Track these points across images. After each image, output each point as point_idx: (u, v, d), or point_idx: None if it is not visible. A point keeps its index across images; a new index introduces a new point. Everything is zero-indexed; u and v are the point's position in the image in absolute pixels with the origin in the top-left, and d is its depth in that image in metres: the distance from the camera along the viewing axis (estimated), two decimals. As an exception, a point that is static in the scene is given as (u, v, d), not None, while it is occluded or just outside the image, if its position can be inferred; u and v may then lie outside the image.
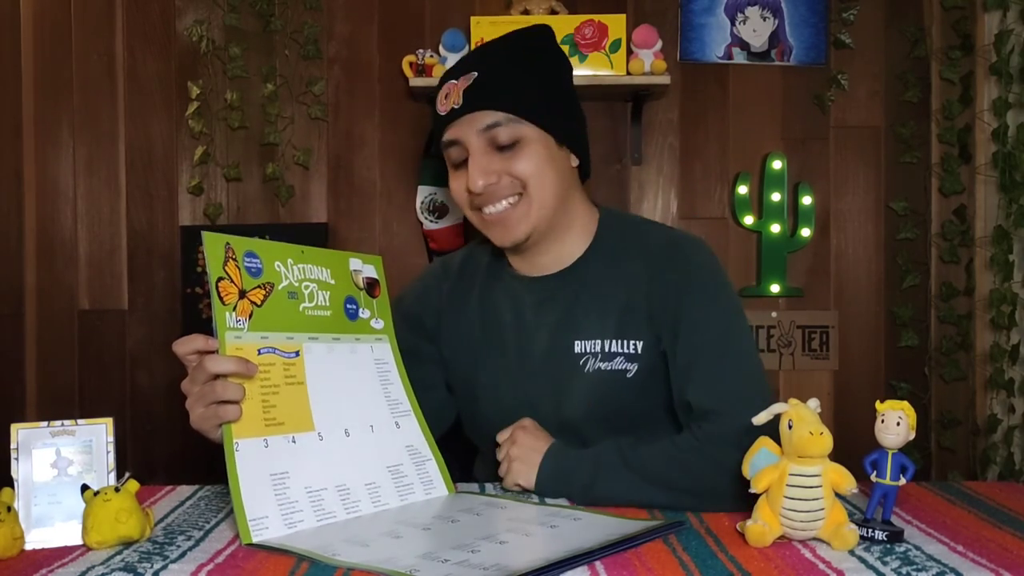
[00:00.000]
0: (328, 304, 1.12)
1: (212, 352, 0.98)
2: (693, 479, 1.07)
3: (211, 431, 0.99)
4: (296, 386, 1.04)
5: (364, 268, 1.19)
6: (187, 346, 1.00)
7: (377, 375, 1.16)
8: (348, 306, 1.15)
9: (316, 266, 1.11)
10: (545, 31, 1.26)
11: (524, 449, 1.15)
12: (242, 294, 1.00)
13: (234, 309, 0.99)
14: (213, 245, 0.99)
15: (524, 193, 1.19)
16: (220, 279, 0.98)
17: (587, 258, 1.27)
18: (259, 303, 1.02)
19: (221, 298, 0.98)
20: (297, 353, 1.05)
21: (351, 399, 1.10)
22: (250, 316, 1.01)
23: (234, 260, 1.00)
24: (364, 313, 1.17)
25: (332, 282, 1.13)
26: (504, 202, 1.19)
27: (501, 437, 1.19)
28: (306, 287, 1.09)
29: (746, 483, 1.00)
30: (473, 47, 2.21)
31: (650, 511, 1.06)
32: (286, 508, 0.96)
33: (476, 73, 1.17)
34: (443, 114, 1.19)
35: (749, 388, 1.13)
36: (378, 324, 1.19)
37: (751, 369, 1.16)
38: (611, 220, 1.30)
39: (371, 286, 1.19)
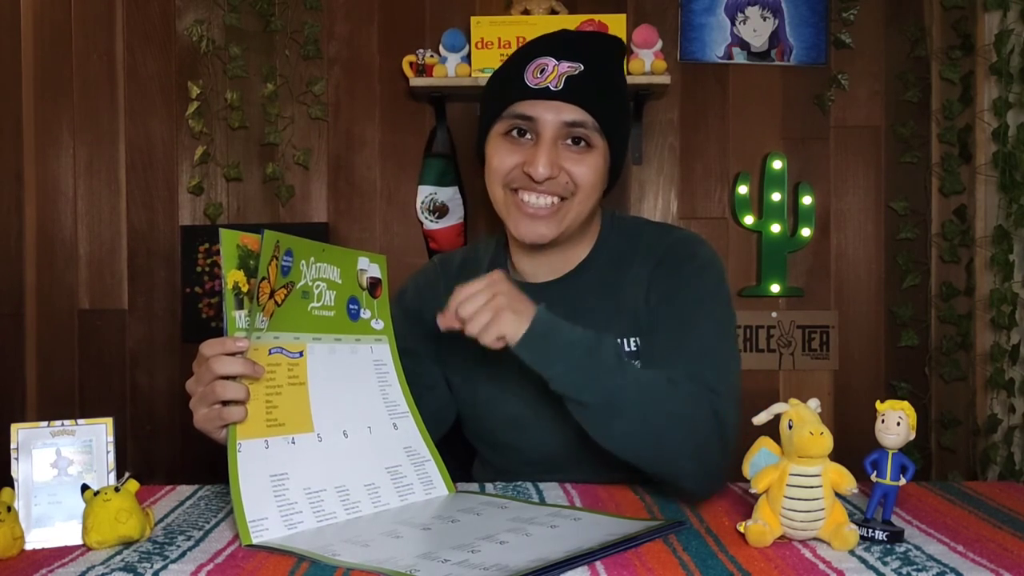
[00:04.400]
0: (333, 304, 1.11)
1: (228, 354, 0.97)
2: (671, 409, 1.05)
3: (214, 432, 0.98)
4: (298, 387, 1.04)
5: (369, 268, 1.18)
6: (217, 348, 0.96)
7: (376, 376, 1.16)
8: (350, 306, 1.15)
9: (329, 265, 1.11)
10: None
11: (512, 299, 1.05)
12: (271, 294, 1.00)
13: (262, 309, 0.99)
14: (268, 243, 0.97)
15: (570, 198, 1.19)
16: (263, 279, 0.97)
17: (589, 263, 1.27)
18: (280, 303, 1.02)
19: (259, 298, 0.98)
20: (301, 353, 1.05)
21: (350, 400, 1.10)
22: (271, 316, 1.00)
23: (276, 259, 0.99)
24: (365, 313, 1.17)
25: (339, 282, 1.13)
26: (548, 199, 1.18)
27: (469, 288, 1.06)
28: (317, 287, 1.08)
29: (703, 463, 1.03)
30: (473, 47, 2.21)
31: (650, 511, 1.06)
32: (286, 509, 0.96)
33: (582, 66, 1.16)
34: (532, 87, 1.16)
35: (728, 379, 1.12)
36: (378, 325, 1.19)
37: (730, 364, 1.15)
38: (613, 223, 1.30)
39: (373, 286, 1.19)
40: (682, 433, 1.05)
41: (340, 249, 1.14)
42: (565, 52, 1.17)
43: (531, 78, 1.16)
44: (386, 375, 1.17)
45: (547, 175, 1.16)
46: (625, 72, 1.26)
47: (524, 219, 1.19)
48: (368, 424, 1.11)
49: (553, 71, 1.16)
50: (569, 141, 1.18)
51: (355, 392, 1.12)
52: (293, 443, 1.01)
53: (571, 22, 2.20)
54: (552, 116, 1.16)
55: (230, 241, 0.98)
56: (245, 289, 0.99)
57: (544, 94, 1.15)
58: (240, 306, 0.98)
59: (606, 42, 1.25)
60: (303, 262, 1.06)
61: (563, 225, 1.20)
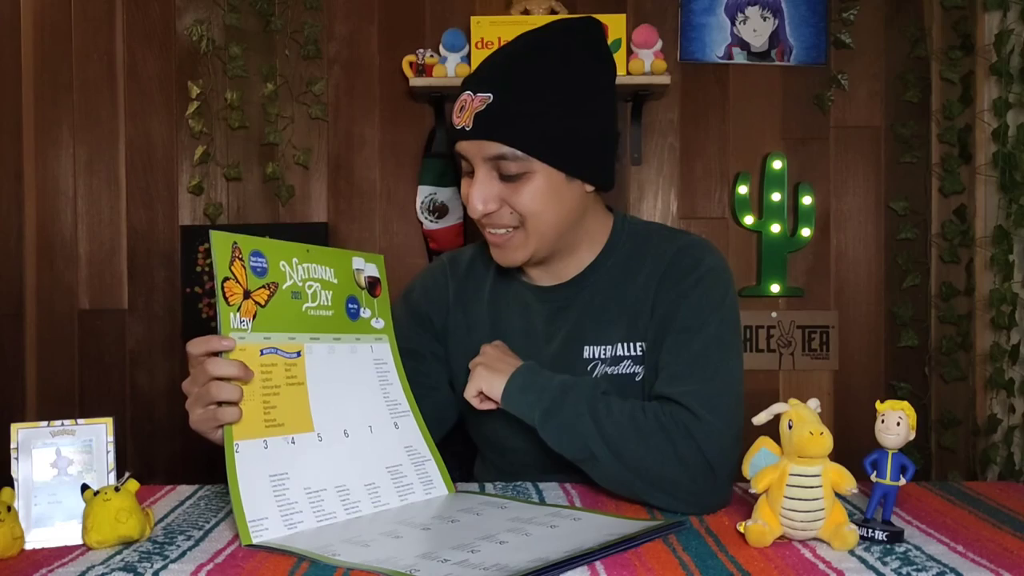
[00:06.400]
0: (330, 304, 1.12)
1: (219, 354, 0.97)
2: (644, 453, 1.05)
3: (210, 432, 0.98)
4: (296, 387, 1.04)
5: (366, 267, 1.19)
6: (202, 347, 0.97)
7: (376, 375, 1.16)
8: (350, 306, 1.15)
9: (320, 265, 1.11)
10: (588, 30, 1.19)
11: (492, 359, 1.17)
12: (247, 294, 1.00)
13: (238, 310, 0.99)
14: (220, 244, 0.98)
15: (522, 227, 1.17)
16: (226, 279, 0.98)
17: (597, 265, 1.26)
18: (263, 303, 1.02)
19: (227, 299, 0.98)
20: (299, 353, 1.05)
21: (350, 400, 1.10)
22: (254, 317, 1.01)
23: (240, 260, 1.00)
24: (365, 313, 1.17)
25: (335, 281, 1.13)
26: (501, 229, 1.18)
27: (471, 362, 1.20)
28: (309, 287, 1.09)
29: (683, 495, 1.03)
30: (473, 47, 2.21)
31: (650, 511, 1.06)
32: (286, 509, 0.96)
33: (491, 96, 1.12)
34: (457, 127, 1.15)
35: (721, 397, 1.09)
36: (378, 324, 1.19)
37: (728, 380, 1.12)
38: (624, 226, 1.28)
39: (372, 285, 1.19)
40: (656, 468, 1.05)
41: (329, 250, 1.14)
42: (478, 83, 1.15)
43: (455, 118, 1.16)
44: (386, 374, 1.17)
45: (483, 211, 1.15)
46: (579, 66, 1.16)
47: (494, 248, 1.21)
48: (369, 423, 1.11)
49: (467, 109, 1.14)
50: (502, 174, 1.15)
51: (355, 391, 1.12)
52: (293, 443, 1.01)
53: (571, 22, 2.20)
54: (476, 153, 1.15)
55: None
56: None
57: (462, 134, 1.15)
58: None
59: (535, 47, 1.16)
60: (284, 263, 1.06)
61: (529, 250, 1.18)
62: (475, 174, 1.16)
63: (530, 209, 1.15)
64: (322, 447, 1.04)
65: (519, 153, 1.12)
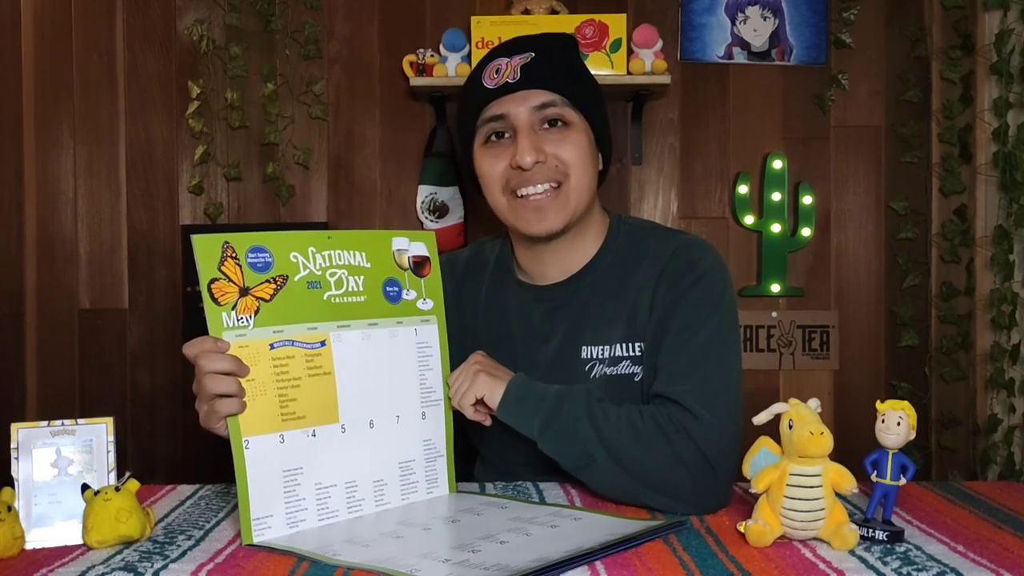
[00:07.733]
0: (362, 289, 1.10)
1: (217, 352, 0.98)
2: (643, 455, 1.05)
3: (218, 428, 0.99)
4: (321, 377, 1.03)
5: (411, 247, 1.16)
6: (195, 348, 0.98)
7: (416, 360, 1.14)
8: (388, 289, 1.12)
9: (347, 251, 1.09)
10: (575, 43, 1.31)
11: (490, 366, 1.16)
12: (244, 291, 1.00)
13: (233, 308, 0.99)
14: (204, 248, 0.98)
15: (564, 182, 1.20)
16: (213, 280, 0.98)
17: (594, 264, 1.26)
18: (268, 298, 1.01)
19: (216, 300, 0.98)
20: (323, 343, 1.05)
21: (382, 387, 1.09)
22: (256, 312, 1.00)
23: (234, 258, 0.99)
24: (409, 294, 1.14)
25: (367, 266, 1.10)
26: (544, 185, 1.19)
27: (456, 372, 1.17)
28: (332, 274, 1.07)
29: (683, 495, 1.03)
30: (474, 47, 2.21)
31: (650, 511, 1.06)
32: (292, 506, 0.97)
33: (533, 54, 1.19)
34: (492, 87, 1.19)
35: (720, 396, 1.10)
36: (426, 305, 1.16)
37: (727, 379, 1.12)
38: (620, 226, 1.29)
39: (419, 265, 1.16)
40: (656, 470, 1.05)
41: (361, 233, 1.13)
42: (514, 49, 1.21)
43: (489, 81, 1.20)
44: (428, 358, 1.15)
45: (534, 160, 1.17)
46: (583, 61, 1.32)
47: (530, 213, 1.20)
48: (397, 412, 1.10)
49: (507, 67, 1.19)
50: (546, 125, 1.20)
51: (389, 378, 1.11)
52: (313, 436, 1.01)
53: (571, 22, 2.20)
54: (520, 107, 1.18)
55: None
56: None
57: (505, 89, 1.18)
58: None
59: (554, 35, 1.29)
60: (296, 254, 1.04)
61: (568, 209, 1.20)
62: (520, 128, 1.19)
63: (575, 158, 1.20)
64: (343, 439, 1.04)
65: (566, 101, 1.19)
